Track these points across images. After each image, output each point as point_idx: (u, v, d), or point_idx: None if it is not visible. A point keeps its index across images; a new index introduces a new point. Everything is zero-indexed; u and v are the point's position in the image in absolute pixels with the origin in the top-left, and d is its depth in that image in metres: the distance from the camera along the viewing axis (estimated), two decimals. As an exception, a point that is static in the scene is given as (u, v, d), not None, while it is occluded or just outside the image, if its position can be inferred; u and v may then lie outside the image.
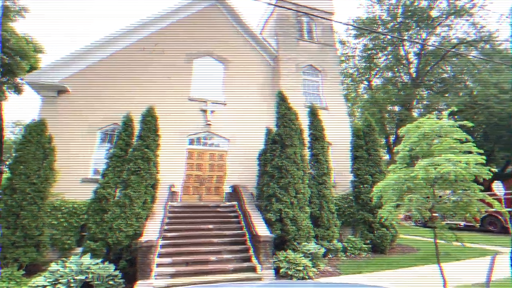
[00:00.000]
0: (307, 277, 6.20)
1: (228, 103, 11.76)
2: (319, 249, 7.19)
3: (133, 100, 10.06)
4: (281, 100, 9.03)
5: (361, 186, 9.72)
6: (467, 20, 22.39)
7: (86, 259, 5.54)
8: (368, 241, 9.09)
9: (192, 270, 6.11)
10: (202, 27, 12.42)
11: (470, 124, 4.68)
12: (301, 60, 13.50)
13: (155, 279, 5.59)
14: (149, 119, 7.69)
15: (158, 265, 6.04)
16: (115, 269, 5.64)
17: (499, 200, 13.41)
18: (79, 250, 6.67)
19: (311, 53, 13.95)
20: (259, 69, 13.02)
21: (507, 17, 19.46)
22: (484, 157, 4.13)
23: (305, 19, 14.55)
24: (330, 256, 8.24)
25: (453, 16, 22.28)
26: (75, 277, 5.06)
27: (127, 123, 7.70)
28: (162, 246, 6.66)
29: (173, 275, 5.86)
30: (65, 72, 9.92)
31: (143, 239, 5.78)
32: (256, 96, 12.34)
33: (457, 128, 4.64)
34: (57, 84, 9.58)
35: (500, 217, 13.76)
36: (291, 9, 6.74)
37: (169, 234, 7.14)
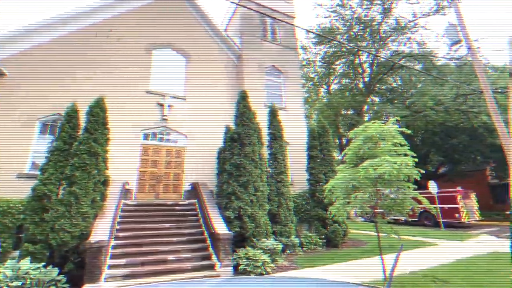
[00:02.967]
0: (264, 272, 6.36)
1: (188, 98, 11.45)
2: (277, 245, 7.42)
3: (82, 89, 9.26)
4: (241, 99, 9.12)
5: (316, 184, 10.28)
6: (409, 38, 25.13)
7: (25, 263, 4.94)
8: (323, 236, 9.66)
9: (148, 270, 5.85)
10: (163, 16, 11.91)
11: (408, 131, 5.29)
12: (264, 60, 13.75)
13: (105, 281, 5.23)
14: (97, 110, 7.09)
15: (110, 266, 5.67)
16: (60, 273, 5.13)
17: (433, 197, 15.32)
18: (16, 253, 5.93)
19: (273, 54, 14.28)
20: (222, 66, 12.94)
21: (442, 36, 22.31)
22: (415, 159, 4.69)
23: (269, 20, 14.84)
24: (288, 251, 8.54)
25: (400, 32, 24.74)
26: (10, 284, 4.48)
27: (71, 114, 7.04)
28: (115, 247, 6.27)
29: (126, 276, 5.55)
30: (2, 53, 8.69)
31: (92, 239, 5.37)
32: (218, 93, 12.23)
33: (398, 133, 5.20)
34: (-10, 66, 8.36)
35: (433, 213, 15.68)
36: (252, 9, 6.81)
37: (122, 234, 6.73)
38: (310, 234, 9.63)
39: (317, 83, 31.86)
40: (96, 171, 6.54)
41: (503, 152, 10.92)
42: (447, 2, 21.17)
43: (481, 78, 11.50)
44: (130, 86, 10.32)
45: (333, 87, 31.98)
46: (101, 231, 5.81)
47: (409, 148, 5.05)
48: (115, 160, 7.91)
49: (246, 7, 6.69)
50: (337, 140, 28.91)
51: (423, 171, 4.70)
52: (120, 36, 10.73)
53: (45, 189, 5.94)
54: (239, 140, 8.53)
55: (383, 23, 24.56)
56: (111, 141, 7.45)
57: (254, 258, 6.55)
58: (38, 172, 6.48)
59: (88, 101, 7.43)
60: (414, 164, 4.75)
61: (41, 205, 5.85)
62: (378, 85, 27.76)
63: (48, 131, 8.87)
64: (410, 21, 24.01)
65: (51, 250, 5.55)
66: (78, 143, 6.59)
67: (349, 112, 29.33)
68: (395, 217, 16.47)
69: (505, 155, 10.71)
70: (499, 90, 17.40)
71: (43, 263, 5.13)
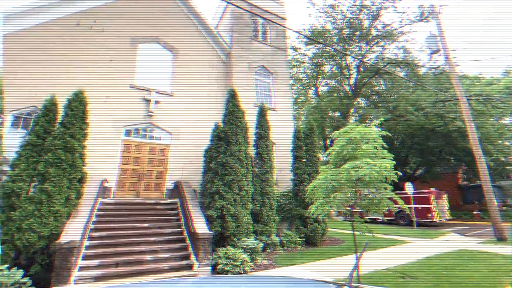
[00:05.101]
0: (243, 271, 6.37)
1: (175, 94, 11.22)
2: (257, 244, 7.44)
3: (61, 81, 8.84)
4: (231, 97, 9.06)
5: (300, 184, 10.40)
6: (396, 46, 25.96)
7: (-14, 265, 4.66)
8: (303, 235, 9.80)
9: (123, 271, 5.68)
10: (151, 9, 11.57)
11: (389, 134, 5.47)
12: (254, 60, 13.71)
13: (75, 283, 5.03)
14: (76, 104, 6.80)
15: (82, 268, 5.46)
16: (25, 275, 4.88)
17: (408, 198, 15.98)
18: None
19: (263, 54, 14.27)
20: (210, 63, 12.77)
21: (422, 46, 23.32)
22: (393, 162, 4.87)
23: (261, 20, 14.80)
24: (269, 250, 8.60)
25: (387, 39, 25.46)
26: (-32, 288, 4.21)
27: (49, 107, 6.69)
28: (88, 247, 6.05)
29: (99, 278, 5.37)
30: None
31: (62, 239, 5.14)
32: (205, 91, 12.06)
33: (379, 136, 5.36)
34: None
35: (408, 212, 16.35)
36: (243, 9, 6.79)
37: (97, 234, 6.50)
38: (290, 233, 9.75)
39: (306, 85, 32.23)
40: (71, 168, 6.27)
41: (473, 156, 11.63)
42: (430, 11, 22.00)
43: (457, 86, 12.13)
44: (113, 79, 9.95)
45: (321, 89, 32.49)
46: (73, 231, 5.58)
47: (388, 151, 5.23)
48: (94, 156, 7.65)
49: (237, 6, 6.63)
50: (321, 142, 29.43)
51: (400, 174, 4.88)
52: (104, 27, 10.30)
53: (14, 186, 5.62)
54: (225, 138, 8.48)
55: (372, 28, 25.15)
56: (90, 137, 7.19)
57: (234, 258, 6.54)
58: (7, 168, 6.12)
59: (67, 94, 7.13)
60: (393, 166, 4.91)
61: (8, 203, 5.53)
62: (364, 89, 28.46)
63: (21, 124, 8.40)
64: (395, 29, 24.77)
65: (17, 251, 5.28)
66: (52, 138, 6.29)
67: (336, 114, 29.91)
68: (373, 217, 17.03)
69: (475, 158, 11.39)
70: (473, 98, 18.42)
71: (7, 265, 4.85)
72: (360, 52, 26.19)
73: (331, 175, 5.16)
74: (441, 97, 20.18)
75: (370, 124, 5.83)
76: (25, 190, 5.75)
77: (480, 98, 18.63)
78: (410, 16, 24.27)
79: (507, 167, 23.43)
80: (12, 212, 5.41)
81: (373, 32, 25.29)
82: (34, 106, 8.28)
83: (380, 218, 16.85)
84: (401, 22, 24.49)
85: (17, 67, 8.49)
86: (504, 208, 19.69)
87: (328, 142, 29.87)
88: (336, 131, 5.94)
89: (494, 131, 19.46)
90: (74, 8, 9.92)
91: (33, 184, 5.99)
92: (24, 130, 8.22)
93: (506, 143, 21.76)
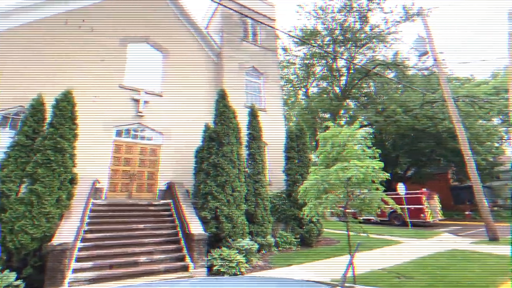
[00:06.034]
0: (239, 273, 6.34)
1: (165, 95, 11.16)
2: (252, 245, 7.42)
3: (49, 81, 8.69)
4: (221, 98, 9.06)
5: (293, 185, 10.43)
6: (385, 46, 26.38)
7: (-23, 269, 4.54)
8: (298, 236, 9.83)
9: (118, 273, 5.60)
10: (141, 9, 11.52)
11: (371, 130, 5.56)
12: (244, 61, 13.76)
13: (69, 285, 4.93)
14: (64, 104, 6.69)
15: (75, 270, 5.36)
16: (18, 278, 4.76)
17: (401, 198, 16.17)
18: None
19: (253, 55, 14.33)
20: (201, 63, 12.78)
21: (411, 48, 23.72)
22: (381, 163, 4.95)
23: (250, 21, 14.87)
24: (264, 251, 8.59)
25: (375, 40, 25.85)
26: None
27: (37, 107, 6.58)
28: (82, 249, 5.94)
29: (94, 280, 5.27)
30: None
31: (55, 241, 5.03)
32: (196, 91, 12.05)
33: (365, 138, 5.44)
34: None
35: (401, 213, 16.53)
36: (233, 9, 6.86)
37: (90, 236, 6.39)
38: (286, 233, 9.76)
39: (296, 85, 32.42)
40: (61, 169, 6.16)
41: (463, 157, 11.87)
42: (417, 13, 22.44)
43: (445, 88, 12.42)
44: (102, 79, 9.84)
45: (312, 90, 32.72)
46: (66, 232, 5.47)
47: (374, 148, 5.32)
48: (85, 157, 7.55)
49: (227, 7, 6.67)
50: (313, 142, 29.60)
51: (388, 175, 4.94)
52: (93, 27, 10.19)
53: (3, 187, 5.50)
54: (217, 139, 8.47)
55: (361, 31, 25.50)
56: (81, 138, 7.08)
57: (229, 259, 6.51)
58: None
59: (56, 93, 7.01)
60: (382, 167, 4.98)
61: (-2, 204, 5.40)
62: (353, 90, 28.79)
63: (9, 125, 8.22)
64: (382, 30, 25.17)
65: (9, 253, 5.15)
66: (42, 138, 6.18)
67: (326, 116, 30.15)
68: (367, 217, 17.14)
69: (464, 159, 11.63)
70: (460, 99, 18.86)
71: (-1, 267, 4.74)
72: (349, 54, 26.52)
73: (321, 176, 5.21)
74: (429, 98, 20.58)
75: (356, 125, 5.86)
76: (14, 191, 5.62)
77: (466, 99, 19.07)
78: (396, 17, 24.74)
79: (496, 168, 24.00)
80: (2, 214, 5.28)
81: (363, 34, 25.65)
82: (21, 106, 8.12)
83: (373, 218, 16.98)
84: (386, 23, 24.84)
85: (3, 67, 8.31)
86: (495, 208, 20.13)
87: (320, 143, 29.94)
88: (321, 133, 6.03)
89: (483, 131, 19.90)
90: (62, 8, 9.82)
91: (23, 185, 5.87)
92: (12, 130, 8.05)
93: (495, 144, 22.28)
